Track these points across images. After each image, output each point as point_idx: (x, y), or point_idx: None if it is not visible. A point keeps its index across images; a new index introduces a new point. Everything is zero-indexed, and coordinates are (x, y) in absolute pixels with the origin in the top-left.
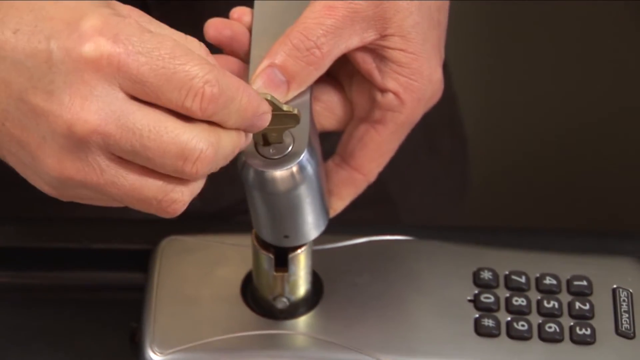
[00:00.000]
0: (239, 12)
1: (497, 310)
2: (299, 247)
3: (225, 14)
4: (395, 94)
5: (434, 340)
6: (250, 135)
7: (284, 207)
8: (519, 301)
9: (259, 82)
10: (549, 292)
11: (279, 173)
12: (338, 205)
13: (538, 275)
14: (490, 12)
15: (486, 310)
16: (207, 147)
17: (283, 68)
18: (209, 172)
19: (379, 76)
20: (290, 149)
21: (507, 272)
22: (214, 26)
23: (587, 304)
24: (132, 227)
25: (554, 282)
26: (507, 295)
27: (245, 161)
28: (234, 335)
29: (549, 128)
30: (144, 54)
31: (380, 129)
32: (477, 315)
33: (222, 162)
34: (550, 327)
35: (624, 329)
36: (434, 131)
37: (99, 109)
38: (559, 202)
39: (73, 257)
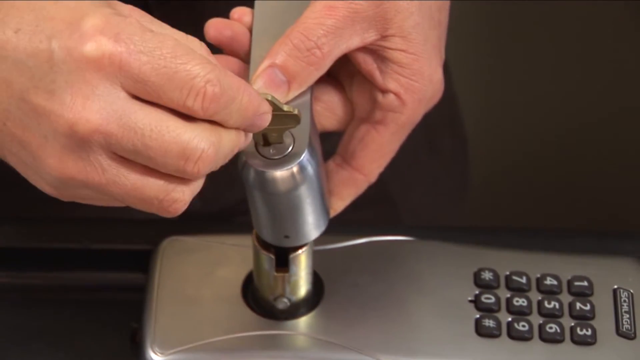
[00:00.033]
0: (239, 13)
1: (498, 310)
2: (300, 247)
3: (225, 13)
4: (396, 94)
5: (434, 341)
6: (250, 135)
7: (284, 207)
8: (519, 302)
9: (259, 82)
10: (550, 292)
11: (280, 173)
12: (338, 205)
13: (539, 275)
14: (491, 12)
15: (487, 310)
16: (208, 147)
17: (284, 68)
18: (209, 171)
19: (380, 77)
20: (290, 149)
21: (507, 273)
22: (214, 26)
23: (588, 305)
24: (132, 227)
25: (555, 282)
26: (508, 295)
27: (246, 161)
28: (234, 336)
29: (549, 128)
30: (145, 53)
31: (382, 129)
32: (477, 316)
33: (222, 161)
34: (551, 328)
35: (624, 329)
36: (435, 131)
37: (101, 108)
38: (559, 202)
39: (73, 257)
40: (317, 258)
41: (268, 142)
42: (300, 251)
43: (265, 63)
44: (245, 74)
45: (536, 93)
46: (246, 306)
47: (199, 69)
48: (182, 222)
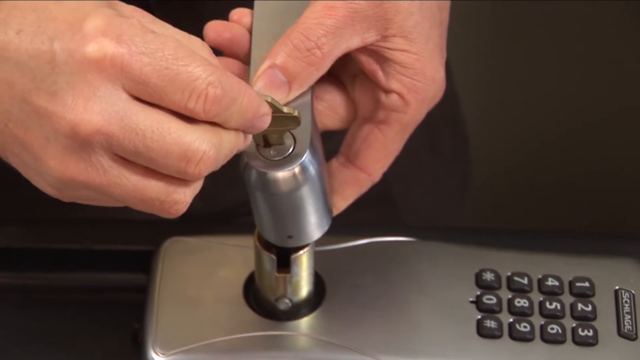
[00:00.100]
0: (239, 14)
1: (500, 311)
2: (302, 248)
3: (226, 14)
4: (399, 94)
5: (436, 342)
6: (250, 137)
7: (286, 208)
8: (521, 302)
9: (260, 83)
10: (551, 293)
11: (282, 174)
12: (341, 204)
13: (540, 276)
14: (491, 12)
15: (488, 311)
16: (209, 149)
17: (284, 69)
18: (209, 172)
19: (383, 77)
20: (291, 150)
21: (509, 274)
22: (213, 29)
23: (590, 306)
24: (134, 228)
25: (556, 283)
26: (510, 296)
27: (248, 162)
28: (236, 336)
29: (550, 128)
30: (147, 54)
31: (385, 129)
32: (479, 317)
33: (222, 162)
34: (552, 329)
35: (626, 330)
36: (436, 131)
37: (102, 109)
38: (561, 203)
39: (75, 258)
40: (319, 259)
41: (269, 143)
42: (301, 252)
43: (266, 64)
44: (244, 76)
45: (537, 93)
46: (247, 307)
47: (201, 71)
48: (184, 222)
